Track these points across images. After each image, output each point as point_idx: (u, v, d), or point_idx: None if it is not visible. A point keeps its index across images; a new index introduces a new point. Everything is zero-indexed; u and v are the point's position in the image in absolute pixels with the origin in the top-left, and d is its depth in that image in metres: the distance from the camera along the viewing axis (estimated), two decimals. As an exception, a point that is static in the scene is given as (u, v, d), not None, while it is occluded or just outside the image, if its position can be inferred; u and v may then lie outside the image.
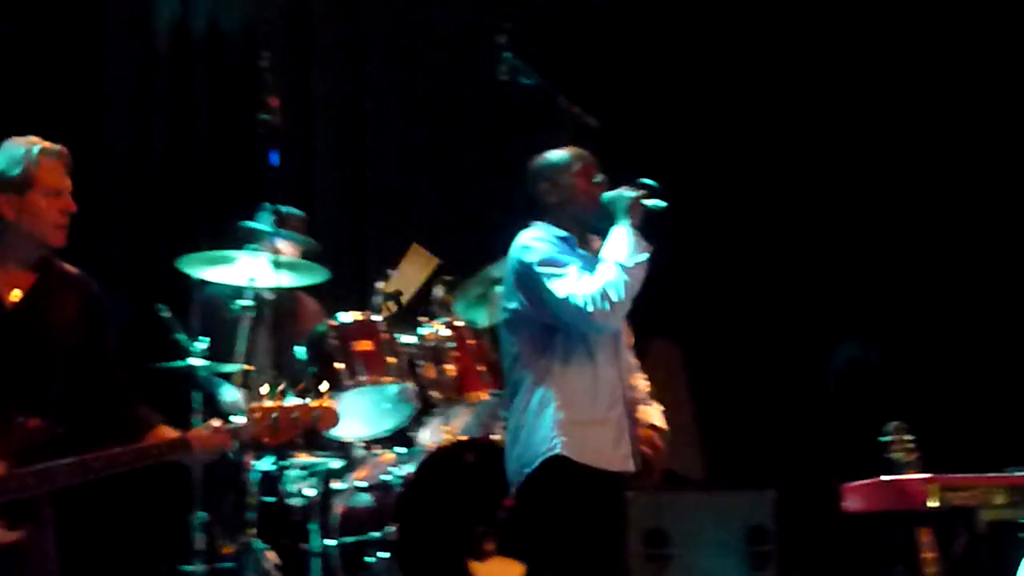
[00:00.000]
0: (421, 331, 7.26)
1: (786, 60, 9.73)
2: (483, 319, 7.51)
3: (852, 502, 5.64)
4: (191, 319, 7.25)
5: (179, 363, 7.09)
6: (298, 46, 9.13)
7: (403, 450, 7.20)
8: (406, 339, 7.22)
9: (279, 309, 7.49)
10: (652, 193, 5.75)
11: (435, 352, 7.20)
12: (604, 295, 5.57)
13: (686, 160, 9.46)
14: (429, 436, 7.28)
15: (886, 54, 9.61)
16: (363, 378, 7.03)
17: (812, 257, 9.49)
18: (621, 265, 5.61)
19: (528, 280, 5.74)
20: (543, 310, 5.71)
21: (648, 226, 5.76)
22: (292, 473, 7.09)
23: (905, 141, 9.50)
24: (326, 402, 5.13)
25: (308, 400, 5.08)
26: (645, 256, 5.66)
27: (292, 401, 5.07)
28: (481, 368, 7.25)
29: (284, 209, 7.57)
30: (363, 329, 7.14)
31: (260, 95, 7.23)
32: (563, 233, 5.87)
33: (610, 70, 9.44)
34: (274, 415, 5.01)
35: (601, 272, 5.63)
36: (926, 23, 9.46)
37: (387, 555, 6.77)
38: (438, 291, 7.44)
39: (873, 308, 9.31)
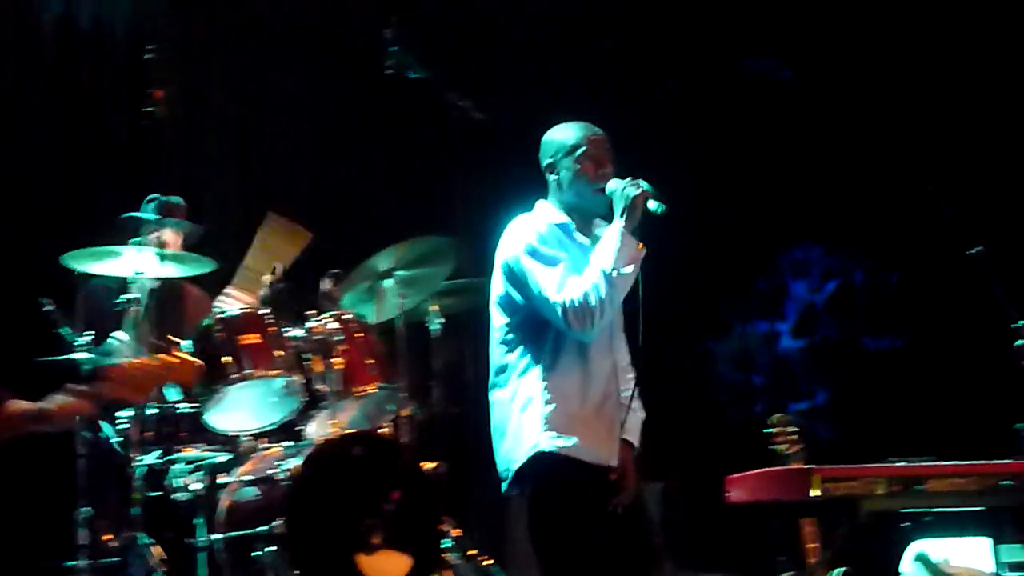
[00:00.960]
0: (309, 324, 7.24)
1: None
2: (371, 313, 7.50)
3: (736, 493, 5.69)
4: (75, 312, 7.18)
5: (63, 357, 7.02)
6: (186, 38, 9.08)
7: (290, 444, 7.18)
8: (293, 332, 7.20)
9: (164, 301, 7.45)
10: (655, 195, 5.59)
11: (323, 345, 7.18)
12: (583, 305, 5.46)
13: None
14: (316, 429, 7.27)
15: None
16: (250, 371, 7.00)
17: (694, 249, 9.57)
18: (606, 274, 5.49)
19: (515, 270, 5.65)
20: (528, 302, 5.64)
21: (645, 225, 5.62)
22: (178, 467, 7.03)
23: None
24: (182, 354, 5.11)
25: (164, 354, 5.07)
26: (631, 269, 5.51)
27: (147, 357, 5.09)
28: (369, 361, 7.25)
29: (165, 198, 7.54)
30: (250, 322, 7.11)
31: (145, 87, 7.19)
32: (561, 219, 5.74)
33: (498, 64, 9.46)
34: (133, 373, 4.98)
35: (585, 278, 5.51)
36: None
37: (274, 549, 6.74)
38: (326, 284, 7.43)
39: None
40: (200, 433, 7.08)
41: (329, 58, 9.33)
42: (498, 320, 5.74)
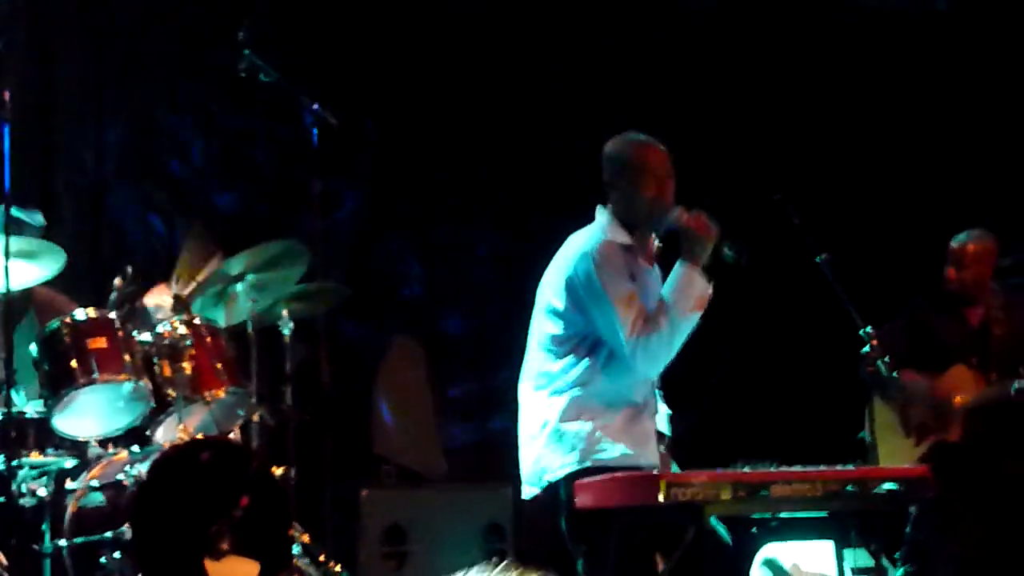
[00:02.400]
0: (158, 329, 7.16)
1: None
2: (221, 317, 7.44)
3: (584, 498, 5.72)
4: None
5: None
6: (35, 35, 8.94)
7: (138, 449, 7.10)
8: (142, 337, 7.12)
9: (11, 304, 7.32)
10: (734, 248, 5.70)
11: (172, 350, 7.09)
12: (654, 350, 5.60)
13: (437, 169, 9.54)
14: (164, 434, 7.20)
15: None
16: (97, 376, 6.90)
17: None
18: (676, 320, 5.60)
19: (582, 289, 5.68)
20: (591, 321, 5.67)
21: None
22: (23, 473, 6.91)
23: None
24: None
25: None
26: (697, 315, 5.65)
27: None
28: (218, 366, 7.17)
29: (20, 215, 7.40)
30: (98, 326, 7.00)
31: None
32: (625, 240, 5.77)
33: (352, 67, 9.42)
34: None
35: (657, 321, 5.59)
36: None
37: (120, 555, 6.67)
38: (175, 288, 7.35)
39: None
40: (47, 438, 6.97)
41: (183, 59, 9.24)
42: (549, 328, 5.80)
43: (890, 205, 9.64)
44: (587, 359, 5.71)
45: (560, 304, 5.75)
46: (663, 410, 6.03)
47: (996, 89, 9.65)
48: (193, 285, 7.42)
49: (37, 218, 7.49)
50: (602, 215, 5.89)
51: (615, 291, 5.64)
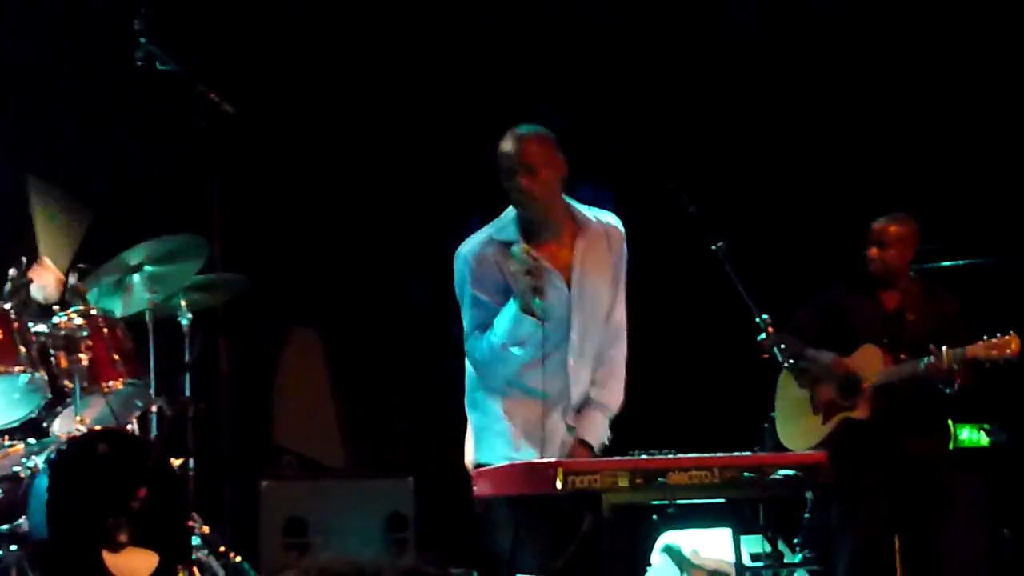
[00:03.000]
0: (54, 319, 7.10)
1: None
2: (118, 307, 7.39)
3: (482, 487, 5.72)
4: None
5: None
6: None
7: (34, 441, 7.03)
8: (38, 327, 7.05)
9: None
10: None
11: (68, 340, 7.03)
12: (474, 361, 5.97)
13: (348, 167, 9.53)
14: (61, 426, 7.14)
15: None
16: (-9, 367, 6.84)
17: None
18: (493, 345, 5.85)
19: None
20: None
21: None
22: (-83, 466, 6.85)
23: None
24: None
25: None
26: (521, 349, 5.83)
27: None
28: (116, 357, 7.13)
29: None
30: (-9, 317, 6.95)
31: None
32: (506, 237, 5.89)
33: (251, 56, 9.37)
34: None
35: (483, 340, 5.88)
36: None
37: (17, 548, 6.61)
38: (72, 279, 7.28)
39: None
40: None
41: (78, 48, 9.14)
42: None
43: (791, 192, 9.70)
44: None
45: None
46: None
47: (902, 76, 9.73)
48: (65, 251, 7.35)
49: None
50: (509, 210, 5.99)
51: (466, 295, 5.98)
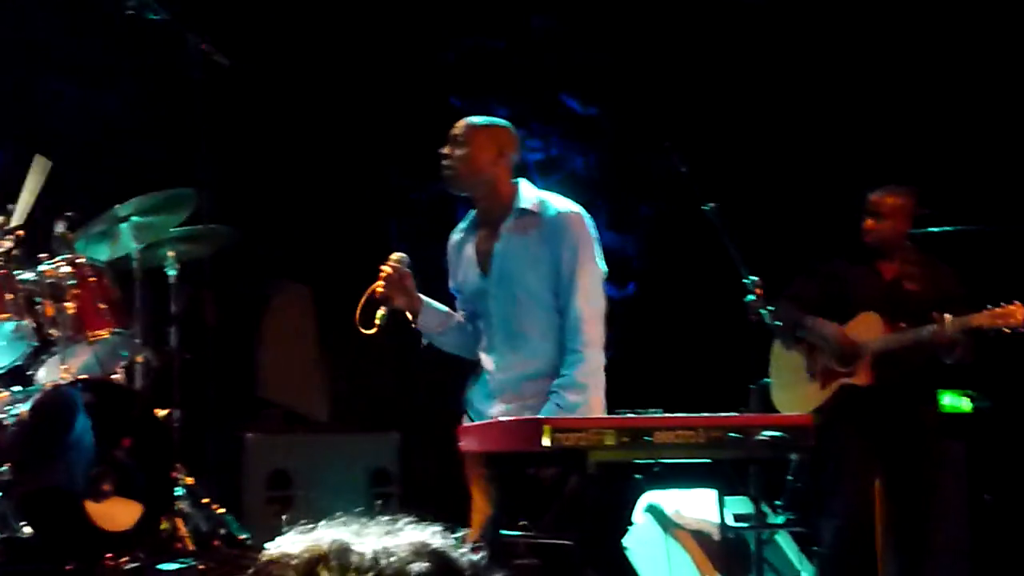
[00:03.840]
0: (40, 268, 7.07)
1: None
2: (104, 255, 7.37)
3: (468, 442, 5.72)
4: None
5: None
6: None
7: (19, 389, 7.02)
8: (24, 276, 7.03)
9: None
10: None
11: (54, 289, 7.01)
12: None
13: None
14: (47, 375, 7.12)
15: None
16: (-24, 315, 6.82)
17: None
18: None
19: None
20: None
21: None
22: (-100, 413, 6.83)
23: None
24: None
25: None
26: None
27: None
28: (102, 306, 7.10)
29: None
30: (-23, 266, 6.92)
31: None
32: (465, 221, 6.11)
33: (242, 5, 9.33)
34: None
35: None
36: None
37: (1, 496, 6.60)
38: (59, 227, 7.25)
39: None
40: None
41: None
42: None
43: (785, 154, 9.68)
44: None
45: None
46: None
47: (899, 40, 9.71)
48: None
49: None
50: None
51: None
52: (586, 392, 5.87)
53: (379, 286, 5.90)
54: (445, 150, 5.95)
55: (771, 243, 8.08)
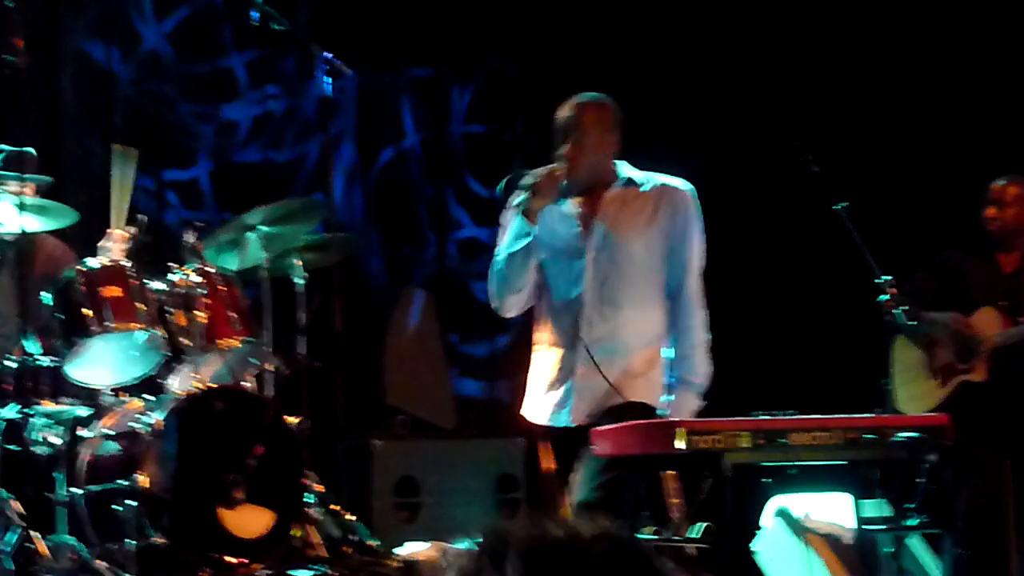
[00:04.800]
0: (171, 277, 7.14)
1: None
2: (233, 265, 7.43)
3: (601, 446, 5.70)
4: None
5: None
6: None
7: (152, 398, 7.09)
8: (156, 285, 7.10)
9: (20, 253, 7.30)
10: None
11: (185, 299, 7.08)
12: (489, 289, 6.05)
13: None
14: (179, 384, 7.19)
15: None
16: (111, 324, 6.89)
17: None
18: (496, 258, 5.98)
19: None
20: None
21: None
22: (37, 421, 6.89)
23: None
24: None
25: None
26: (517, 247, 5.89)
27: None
28: (232, 315, 7.16)
29: (15, 150, 7.34)
30: (112, 275, 6.99)
31: (4, 35, 7.03)
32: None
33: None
34: None
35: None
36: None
37: (135, 504, 6.67)
38: (189, 237, 7.33)
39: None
40: (60, 387, 6.97)
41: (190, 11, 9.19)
42: None
43: (912, 154, 9.56)
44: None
45: None
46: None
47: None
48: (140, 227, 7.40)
49: (41, 178, 7.41)
50: None
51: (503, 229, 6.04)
52: (708, 369, 6.04)
53: (556, 171, 5.88)
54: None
55: (896, 240, 7.98)
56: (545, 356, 6.09)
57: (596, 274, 5.96)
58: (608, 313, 5.96)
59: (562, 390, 6.02)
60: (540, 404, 6.11)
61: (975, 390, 7.34)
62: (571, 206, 6.02)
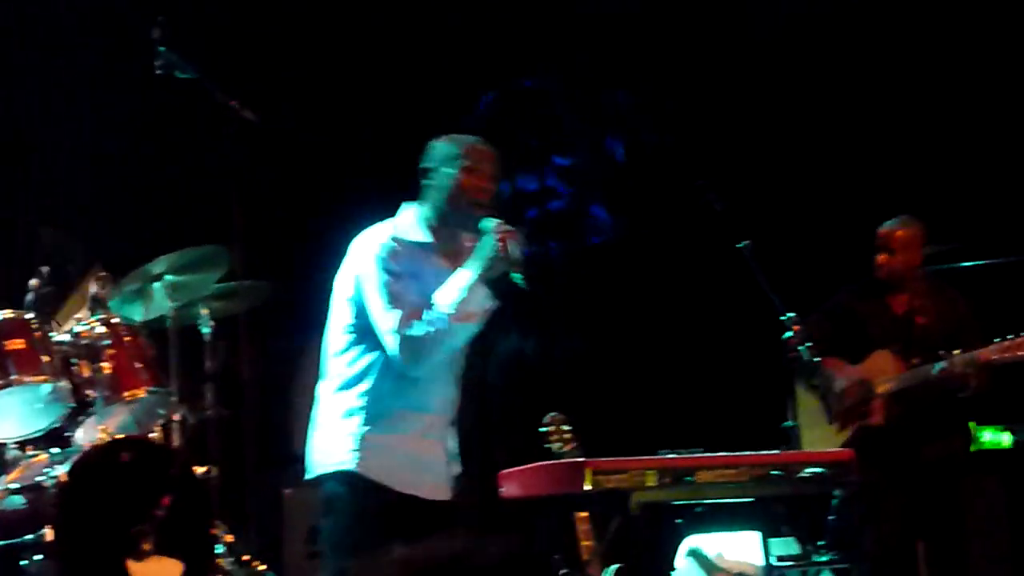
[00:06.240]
0: (76, 328, 7.08)
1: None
2: (139, 315, 7.38)
3: (510, 488, 5.70)
4: None
5: None
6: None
7: (58, 450, 7.02)
8: (60, 337, 7.04)
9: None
10: (521, 264, 5.41)
11: (90, 350, 7.02)
12: (415, 341, 5.36)
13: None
14: (85, 435, 7.12)
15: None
16: (14, 377, 6.82)
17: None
18: (445, 319, 5.38)
19: (367, 284, 5.50)
20: (368, 315, 5.51)
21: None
22: (-59, 477, 6.84)
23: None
24: None
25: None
26: (469, 325, 5.44)
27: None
28: (138, 365, 7.11)
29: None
30: (15, 327, 6.91)
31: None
32: (420, 238, 5.58)
33: (269, 62, 9.39)
34: None
35: (425, 316, 5.38)
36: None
37: (42, 558, 6.59)
38: (93, 287, 7.27)
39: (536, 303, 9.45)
40: (-38, 441, 6.90)
41: (98, 59, 9.16)
42: (344, 317, 5.60)
43: (811, 194, 9.68)
44: (371, 359, 5.53)
45: (351, 291, 5.59)
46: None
47: (918, 78, 9.71)
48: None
49: None
50: (406, 210, 5.71)
51: (390, 279, 5.48)
52: None
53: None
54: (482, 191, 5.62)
55: (795, 279, 8.07)
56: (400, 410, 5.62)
57: None
58: None
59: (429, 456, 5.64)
60: (403, 468, 5.60)
61: (873, 433, 7.41)
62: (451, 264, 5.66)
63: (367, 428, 5.48)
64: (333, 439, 5.55)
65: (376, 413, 5.49)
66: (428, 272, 5.54)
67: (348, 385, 5.56)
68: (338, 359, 5.60)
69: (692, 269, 9.26)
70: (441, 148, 5.64)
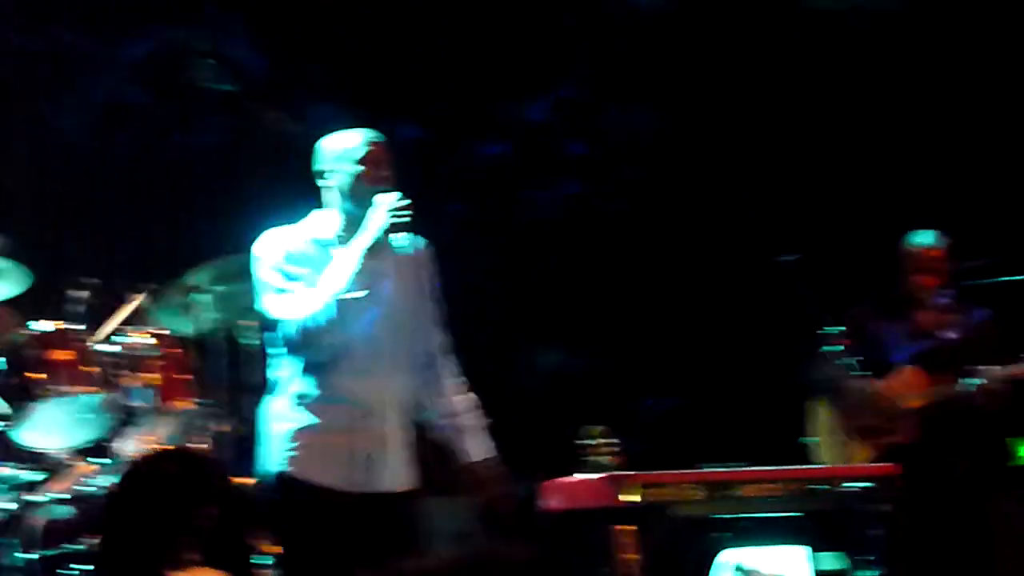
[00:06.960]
0: (122, 340, 7.13)
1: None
2: (185, 327, 7.41)
3: (552, 500, 5.71)
4: None
5: None
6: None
7: (105, 461, 7.06)
8: (107, 348, 7.08)
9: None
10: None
11: (136, 361, 7.08)
12: (304, 327, 5.38)
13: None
14: (130, 446, 7.16)
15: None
16: (61, 388, 6.87)
17: (515, 265, 9.60)
18: (324, 297, 5.37)
19: (257, 286, 5.61)
20: None
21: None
22: (-12, 487, 6.88)
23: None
24: None
25: None
26: (363, 294, 5.37)
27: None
28: (184, 377, 7.16)
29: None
30: (61, 338, 6.98)
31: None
32: (325, 236, 5.56)
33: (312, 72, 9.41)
34: None
35: (312, 299, 5.38)
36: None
37: (89, 567, 6.63)
38: (139, 299, 7.32)
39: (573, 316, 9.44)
40: (10, 451, 6.93)
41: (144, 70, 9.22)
42: (268, 329, 5.71)
43: (842, 209, 9.63)
44: (287, 357, 5.58)
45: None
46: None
47: (945, 92, 9.67)
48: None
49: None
50: (311, 215, 5.69)
51: (280, 275, 5.51)
52: None
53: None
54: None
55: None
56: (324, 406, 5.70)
57: (390, 331, 5.68)
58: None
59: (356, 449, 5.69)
60: (329, 465, 5.72)
61: (901, 451, 7.36)
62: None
63: (294, 428, 5.56)
64: (267, 444, 5.68)
65: (302, 411, 5.56)
66: (318, 266, 5.52)
67: (274, 390, 5.67)
68: (270, 369, 5.70)
69: (736, 279, 9.23)
70: (332, 147, 5.62)
